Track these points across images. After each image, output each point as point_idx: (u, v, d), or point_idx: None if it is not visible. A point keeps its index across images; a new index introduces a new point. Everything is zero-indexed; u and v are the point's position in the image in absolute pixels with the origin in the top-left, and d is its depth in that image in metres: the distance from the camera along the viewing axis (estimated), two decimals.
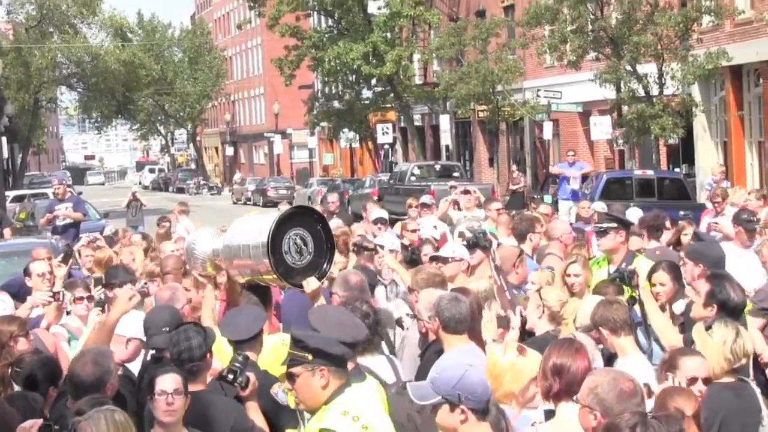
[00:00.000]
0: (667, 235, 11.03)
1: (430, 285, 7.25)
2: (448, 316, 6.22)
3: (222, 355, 6.32)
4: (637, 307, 7.13)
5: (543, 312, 7.02)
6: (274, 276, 6.58)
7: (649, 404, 4.97)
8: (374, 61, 44.06)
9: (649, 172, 25.26)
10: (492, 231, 11.39)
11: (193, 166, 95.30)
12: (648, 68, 27.46)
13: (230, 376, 5.70)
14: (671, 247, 10.54)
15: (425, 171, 36.63)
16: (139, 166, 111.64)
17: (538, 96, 34.69)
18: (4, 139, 41.64)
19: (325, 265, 6.78)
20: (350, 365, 5.07)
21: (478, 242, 9.02)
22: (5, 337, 6.59)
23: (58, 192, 20.20)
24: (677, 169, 30.44)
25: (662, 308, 7.41)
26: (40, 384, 5.97)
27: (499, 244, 9.37)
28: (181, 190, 73.88)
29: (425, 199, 14.85)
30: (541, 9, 29.54)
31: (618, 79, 27.66)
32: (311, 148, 65.24)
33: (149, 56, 63.51)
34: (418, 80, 47.58)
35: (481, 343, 6.40)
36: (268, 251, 6.40)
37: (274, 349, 6.33)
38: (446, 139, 43.13)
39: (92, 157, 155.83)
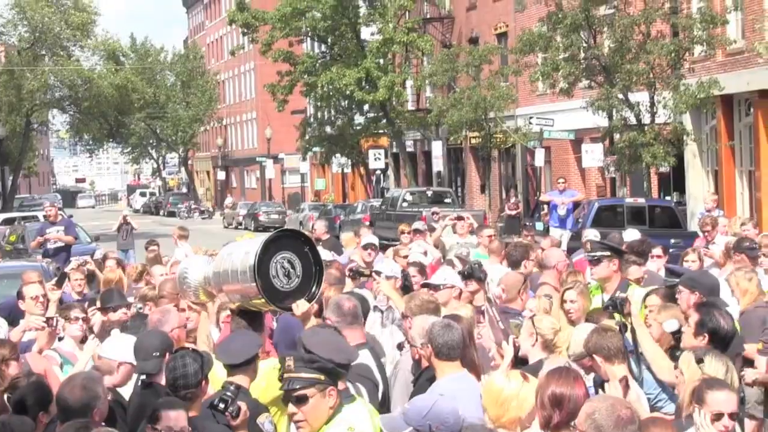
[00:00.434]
0: (658, 263, 11.11)
1: (424, 311, 7.25)
2: (440, 342, 6.21)
3: (215, 379, 6.29)
4: (628, 335, 7.13)
5: (536, 340, 7.02)
6: (263, 300, 6.56)
7: None
8: (367, 86, 44.18)
9: (641, 200, 25.33)
10: (484, 257, 11.41)
11: (184, 190, 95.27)
12: (640, 96, 27.57)
13: (221, 405, 5.65)
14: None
15: (417, 197, 36.70)
16: (130, 190, 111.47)
17: (530, 123, 34.75)
18: None
19: (314, 288, 6.76)
20: (341, 386, 5.15)
21: (473, 273, 9.06)
22: None
23: (49, 215, 20.15)
24: (668, 197, 30.51)
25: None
26: (30, 408, 5.93)
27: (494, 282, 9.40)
28: (172, 214, 73.82)
29: (418, 225, 14.87)
30: (534, 36, 29.66)
31: (610, 107, 27.75)
32: (303, 173, 65.29)
33: (141, 80, 63.48)
34: (410, 106, 47.72)
35: (474, 370, 6.40)
36: (255, 275, 6.38)
37: (265, 375, 6.30)
38: (438, 165, 43.22)
39: (83, 180, 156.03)
